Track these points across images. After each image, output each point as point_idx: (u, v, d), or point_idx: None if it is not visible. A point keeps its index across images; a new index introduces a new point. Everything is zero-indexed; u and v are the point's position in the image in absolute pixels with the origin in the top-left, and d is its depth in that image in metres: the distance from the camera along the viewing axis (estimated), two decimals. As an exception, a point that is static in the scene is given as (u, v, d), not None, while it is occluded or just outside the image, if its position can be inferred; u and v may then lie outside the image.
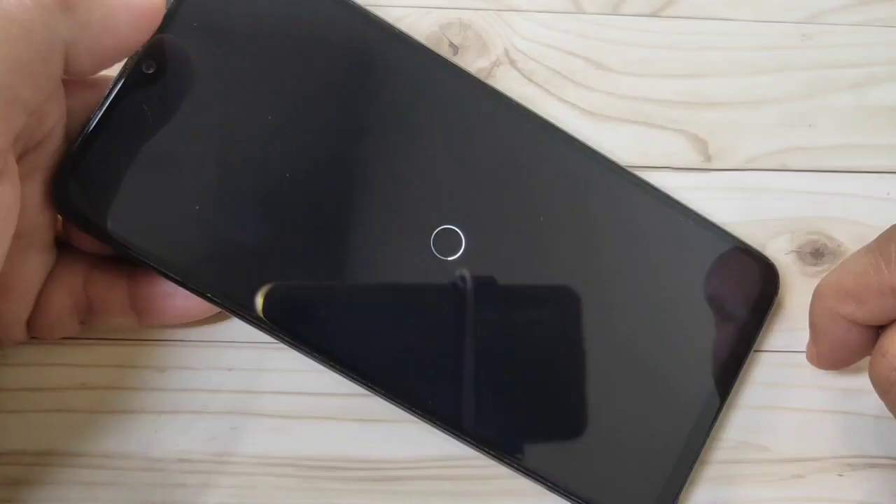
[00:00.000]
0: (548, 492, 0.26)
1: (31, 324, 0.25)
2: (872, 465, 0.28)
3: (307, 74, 0.26)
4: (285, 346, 0.26)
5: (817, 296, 0.26)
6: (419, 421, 0.26)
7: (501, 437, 0.26)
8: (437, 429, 0.26)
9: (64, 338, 0.26)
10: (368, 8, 0.26)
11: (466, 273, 0.26)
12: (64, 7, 0.21)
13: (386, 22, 0.26)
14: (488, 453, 0.26)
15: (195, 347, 0.27)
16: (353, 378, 0.26)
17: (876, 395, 0.24)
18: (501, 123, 0.27)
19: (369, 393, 0.26)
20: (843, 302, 0.25)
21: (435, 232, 0.26)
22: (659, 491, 0.26)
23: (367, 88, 0.26)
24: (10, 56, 0.20)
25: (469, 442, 0.26)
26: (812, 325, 0.27)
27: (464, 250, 0.26)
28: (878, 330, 0.25)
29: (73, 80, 0.23)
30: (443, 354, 0.26)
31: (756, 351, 0.28)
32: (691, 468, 0.26)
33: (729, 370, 0.27)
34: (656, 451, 0.26)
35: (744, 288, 0.27)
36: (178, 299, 0.26)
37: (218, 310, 0.27)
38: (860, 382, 0.28)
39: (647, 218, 0.27)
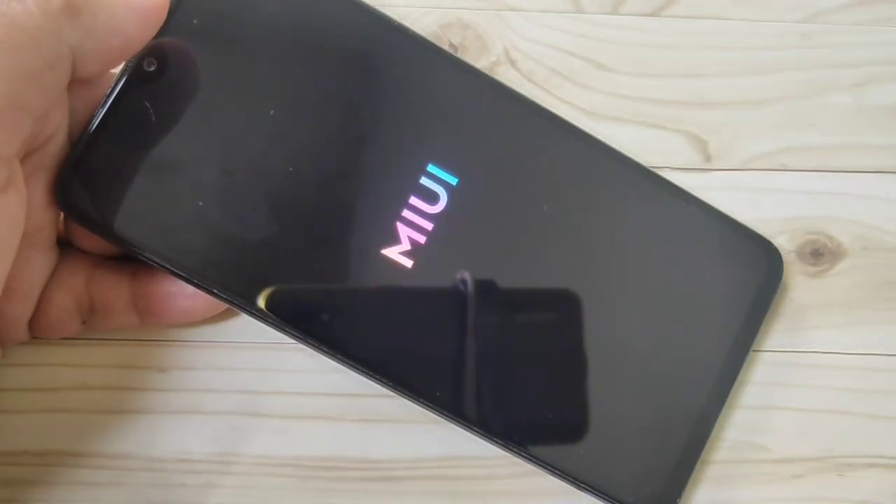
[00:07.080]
0: (548, 494, 0.26)
1: (32, 324, 0.25)
2: (872, 465, 0.28)
3: (309, 71, 0.26)
4: (285, 347, 0.26)
5: None
6: (419, 421, 0.26)
7: (505, 429, 0.26)
8: (446, 419, 0.26)
9: (65, 338, 0.26)
10: (369, 5, 0.26)
11: (470, 271, 0.26)
12: (69, 13, 0.21)
13: (388, 17, 0.26)
14: (494, 441, 0.26)
15: (196, 348, 0.27)
16: (361, 371, 0.25)
17: (876, 395, 0.24)
18: (509, 118, 0.27)
19: (370, 393, 0.26)
20: None
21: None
22: (660, 491, 0.26)
23: (370, 85, 0.26)
24: (18, 65, 0.20)
25: (475, 430, 0.26)
26: None
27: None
28: None
29: (76, 79, 0.23)
30: (452, 346, 0.26)
31: (756, 351, 0.28)
32: (693, 467, 0.26)
33: (732, 361, 0.27)
34: (658, 450, 0.26)
35: (748, 274, 0.27)
36: (181, 299, 0.26)
37: (220, 309, 0.27)
38: (860, 382, 0.28)
39: (649, 209, 0.27)
